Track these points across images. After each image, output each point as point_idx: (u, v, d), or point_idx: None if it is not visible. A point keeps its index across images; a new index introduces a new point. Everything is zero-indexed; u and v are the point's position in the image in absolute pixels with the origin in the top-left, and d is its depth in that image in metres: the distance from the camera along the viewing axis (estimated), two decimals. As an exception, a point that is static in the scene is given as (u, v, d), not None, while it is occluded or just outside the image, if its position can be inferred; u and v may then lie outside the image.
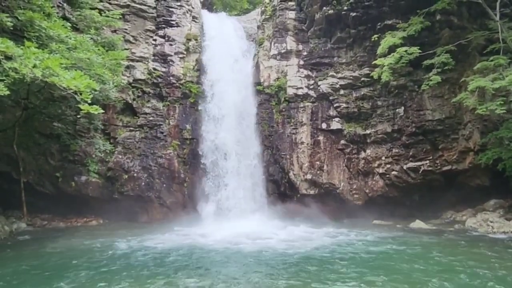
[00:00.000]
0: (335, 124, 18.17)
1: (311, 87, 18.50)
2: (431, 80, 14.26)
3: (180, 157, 18.11)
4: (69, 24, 13.01)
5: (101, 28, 15.43)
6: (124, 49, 16.27)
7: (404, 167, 17.20)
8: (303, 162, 18.21)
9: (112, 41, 15.46)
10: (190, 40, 18.97)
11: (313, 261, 10.15)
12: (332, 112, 18.24)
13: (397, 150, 17.31)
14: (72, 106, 13.68)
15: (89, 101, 9.60)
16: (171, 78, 18.30)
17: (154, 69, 18.17)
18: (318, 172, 18.09)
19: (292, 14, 19.20)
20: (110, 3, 17.30)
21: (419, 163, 16.94)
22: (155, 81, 18.17)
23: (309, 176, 18.07)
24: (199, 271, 9.31)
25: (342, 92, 17.96)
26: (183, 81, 18.49)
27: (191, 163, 18.27)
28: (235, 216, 16.63)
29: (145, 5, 18.13)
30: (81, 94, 9.49)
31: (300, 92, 18.52)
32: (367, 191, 17.96)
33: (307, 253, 11.07)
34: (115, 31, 16.82)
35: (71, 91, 9.46)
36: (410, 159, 17.11)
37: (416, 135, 16.81)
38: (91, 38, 13.74)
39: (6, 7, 11.38)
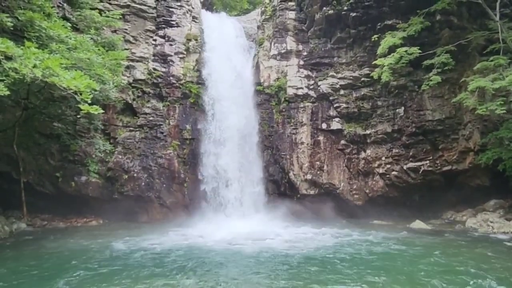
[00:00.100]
0: (335, 124, 18.17)
1: (311, 87, 18.51)
2: (431, 80, 14.26)
3: (180, 157, 18.11)
4: (69, 24, 13.00)
5: (101, 28, 15.42)
6: (124, 49, 16.26)
7: (404, 167, 17.20)
8: (303, 162, 18.21)
9: (112, 41, 15.45)
10: (190, 40, 18.97)
11: (313, 261, 10.13)
12: (332, 112, 18.24)
13: (397, 150, 17.31)
14: (72, 106, 13.67)
15: (89, 101, 9.58)
16: (171, 78, 18.30)
17: (154, 69, 18.16)
18: (318, 172, 18.09)
19: (292, 14, 19.20)
20: (110, 3, 17.30)
21: (419, 163, 16.94)
22: (155, 81, 18.17)
23: (309, 176, 18.07)
24: (199, 271, 9.28)
25: (342, 92, 17.96)
26: (183, 81, 18.50)
27: (191, 163, 18.27)
28: (235, 217, 16.62)
29: (145, 5, 18.13)
30: (81, 94, 9.48)
31: (300, 92, 18.52)
32: (367, 191, 17.96)
33: (307, 253, 11.05)
34: (115, 31, 16.81)
35: (71, 91, 9.45)
36: (410, 159, 17.11)
37: (416, 135, 16.80)
38: (91, 38, 13.72)
39: (6, 7, 11.38)
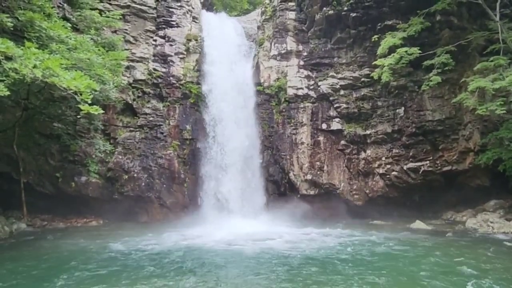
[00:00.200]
0: (335, 125, 18.17)
1: (311, 87, 18.50)
2: (431, 81, 14.25)
3: (180, 157, 18.10)
4: (69, 25, 13.02)
5: (101, 28, 15.43)
6: (124, 50, 16.26)
7: (404, 167, 17.19)
8: (303, 162, 18.20)
9: (112, 42, 15.45)
10: (190, 40, 18.97)
11: (314, 262, 10.12)
12: (332, 113, 18.24)
13: (397, 151, 17.31)
14: (72, 106, 13.66)
15: (89, 102, 9.58)
16: (171, 78, 18.30)
17: (154, 69, 18.16)
18: (318, 172, 18.08)
19: (292, 15, 19.20)
20: (110, 4, 17.30)
21: (419, 163, 16.93)
22: (155, 81, 18.17)
23: (309, 177, 18.06)
24: (199, 272, 9.27)
25: (342, 92, 17.96)
26: (183, 81, 18.49)
27: (191, 163, 18.26)
28: (235, 217, 16.61)
29: (145, 5, 18.14)
30: (81, 94, 9.47)
31: (300, 92, 18.52)
32: (367, 191, 17.95)
33: (308, 253, 11.04)
34: (115, 31, 16.82)
35: (71, 91, 9.45)
36: (410, 159, 17.11)
37: (416, 135, 16.80)
38: (91, 39, 13.72)
39: (6, 7, 11.38)
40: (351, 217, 17.69)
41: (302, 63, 18.81)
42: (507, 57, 13.25)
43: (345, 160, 18.17)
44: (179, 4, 19.12)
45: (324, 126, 18.27)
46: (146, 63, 18.06)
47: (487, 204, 16.47)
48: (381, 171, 17.57)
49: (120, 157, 17.12)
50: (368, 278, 8.56)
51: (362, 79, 17.44)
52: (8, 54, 9.08)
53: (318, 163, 18.13)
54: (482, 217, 15.37)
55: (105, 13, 15.85)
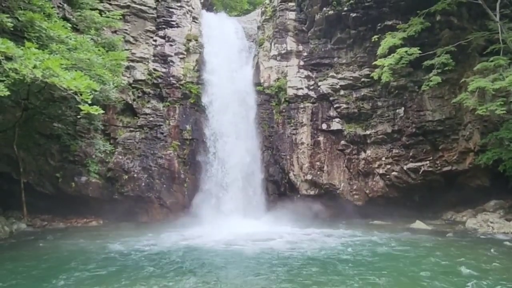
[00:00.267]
0: (335, 125, 18.17)
1: (311, 87, 18.50)
2: (431, 81, 14.25)
3: (180, 157, 18.09)
4: (69, 25, 13.00)
5: (101, 28, 15.41)
6: (124, 50, 16.24)
7: (404, 167, 17.19)
8: (303, 162, 18.20)
9: (112, 42, 15.44)
10: (190, 40, 18.97)
11: (315, 262, 10.11)
12: (332, 113, 18.24)
13: (397, 151, 17.31)
14: (72, 106, 13.64)
15: (89, 102, 9.56)
16: (171, 78, 18.30)
17: (154, 69, 18.16)
18: (318, 172, 18.08)
19: (292, 15, 19.21)
20: (110, 4, 17.30)
21: (419, 163, 16.93)
22: (155, 81, 18.17)
23: (309, 177, 18.06)
24: (198, 272, 9.26)
25: (342, 92, 17.96)
26: (183, 81, 18.49)
27: (191, 163, 18.26)
28: (235, 217, 16.60)
29: (145, 5, 18.13)
30: (81, 94, 9.46)
31: (300, 92, 18.52)
32: (367, 191, 17.95)
33: (308, 254, 11.02)
34: (115, 31, 16.82)
35: (71, 91, 9.43)
36: (410, 159, 17.11)
37: (416, 135, 16.80)
38: (92, 39, 13.71)
39: (6, 7, 11.37)
40: (351, 217, 17.65)
41: (302, 63, 18.82)
42: (507, 57, 13.24)
43: (345, 160, 18.17)
44: (179, 4, 19.12)
45: (324, 126, 18.27)
46: (146, 63, 18.05)
47: (487, 204, 16.46)
48: (381, 171, 17.57)
49: (120, 157, 17.12)
50: (369, 279, 8.54)
51: (362, 79, 17.45)
52: (8, 54, 9.06)
53: (318, 163, 18.13)
54: (482, 217, 15.37)
55: (105, 13, 15.84)
